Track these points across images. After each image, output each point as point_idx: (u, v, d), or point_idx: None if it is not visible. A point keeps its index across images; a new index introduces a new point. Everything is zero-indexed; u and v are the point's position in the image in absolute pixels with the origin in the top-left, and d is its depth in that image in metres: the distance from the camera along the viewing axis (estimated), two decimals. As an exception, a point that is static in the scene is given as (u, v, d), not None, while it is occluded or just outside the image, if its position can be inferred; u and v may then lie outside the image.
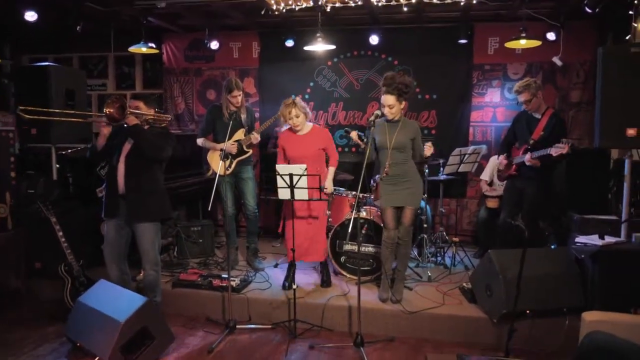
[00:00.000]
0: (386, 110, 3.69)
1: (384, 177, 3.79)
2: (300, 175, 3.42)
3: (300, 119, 3.98)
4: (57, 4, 4.85)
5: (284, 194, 3.51)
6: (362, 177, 3.32)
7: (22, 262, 4.34)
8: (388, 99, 3.66)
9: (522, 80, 4.12)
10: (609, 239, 3.40)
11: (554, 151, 3.69)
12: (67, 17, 5.23)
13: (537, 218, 4.18)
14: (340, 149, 6.05)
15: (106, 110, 3.31)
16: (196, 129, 6.30)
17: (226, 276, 4.10)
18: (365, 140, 3.55)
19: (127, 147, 3.47)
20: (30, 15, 4.46)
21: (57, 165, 4.76)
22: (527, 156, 4.00)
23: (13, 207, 4.49)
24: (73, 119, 4.02)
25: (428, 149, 3.71)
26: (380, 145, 3.78)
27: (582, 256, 3.48)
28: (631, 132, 3.28)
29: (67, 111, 4.23)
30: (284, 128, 4.22)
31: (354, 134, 3.80)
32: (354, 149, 6.04)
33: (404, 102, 3.71)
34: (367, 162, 3.42)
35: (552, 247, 4.25)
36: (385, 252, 3.88)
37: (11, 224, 4.47)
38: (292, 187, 3.44)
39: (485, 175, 5.18)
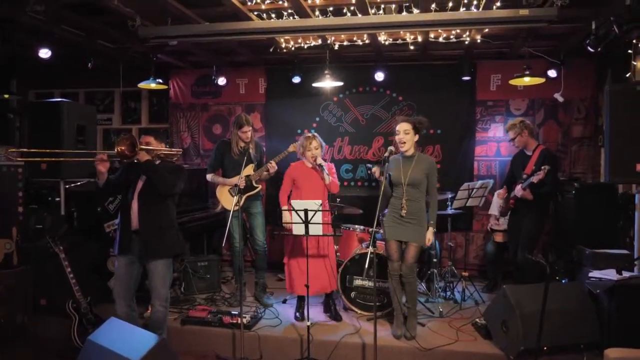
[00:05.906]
0: (400, 135, 3.77)
1: (396, 211, 3.82)
2: (316, 211, 3.42)
3: (319, 151, 4.14)
4: (70, 41, 4.94)
5: (298, 229, 3.51)
6: (377, 213, 3.34)
7: (28, 299, 4.26)
8: (404, 125, 3.79)
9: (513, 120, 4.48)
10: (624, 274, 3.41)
11: (535, 178, 4.00)
12: (79, 54, 5.34)
13: (532, 249, 4.34)
14: (345, 182, 6.08)
15: (117, 148, 3.33)
16: (202, 163, 6.34)
17: (235, 312, 4.06)
18: (385, 176, 3.61)
19: (140, 184, 3.49)
20: (44, 53, 4.54)
21: (57, 199, 4.74)
22: (518, 188, 4.23)
23: (19, 243, 4.44)
24: (81, 159, 4.08)
25: (429, 237, 3.79)
26: (395, 180, 3.81)
27: (598, 291, 3.48)
28: (641, 167, 3.36)
29: (74, 151, 4.33)
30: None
31: (375, 170, 3.85)
32: (359, 183, 6.07)
33: (416, 136, 3.80)
34: (382, 198, 3.45)
35: (563, 281, 4.24)
36: (393, 284, 3.88)
37: (16, 260, 4.41)
38: (307, 222, 3.44)
39: (493, 210, 5.20)
